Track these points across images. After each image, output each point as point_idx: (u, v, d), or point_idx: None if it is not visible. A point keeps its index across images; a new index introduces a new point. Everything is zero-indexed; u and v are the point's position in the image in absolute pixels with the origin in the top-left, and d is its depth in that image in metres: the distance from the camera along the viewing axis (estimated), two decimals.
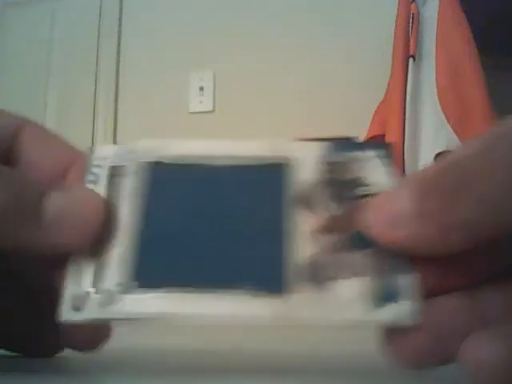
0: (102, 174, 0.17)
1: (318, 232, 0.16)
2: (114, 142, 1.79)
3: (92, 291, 0.15)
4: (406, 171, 1.37)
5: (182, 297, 0.15)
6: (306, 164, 0.17)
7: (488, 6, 1.34)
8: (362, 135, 1.50)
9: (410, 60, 1.42)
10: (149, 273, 0.15)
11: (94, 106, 1.82)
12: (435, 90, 1.40)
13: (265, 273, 0.15)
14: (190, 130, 1.73)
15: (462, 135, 1.36)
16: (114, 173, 0.17)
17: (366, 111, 1.51)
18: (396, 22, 1.48)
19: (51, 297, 0.16)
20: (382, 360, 0.15)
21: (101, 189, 0.17)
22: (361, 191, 0.16)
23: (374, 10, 1.64)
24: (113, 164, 0.18)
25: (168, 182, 0.17)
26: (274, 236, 0.16)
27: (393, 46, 1.47)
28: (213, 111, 1.73)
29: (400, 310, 0.14)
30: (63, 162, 0.18)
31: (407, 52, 1.43)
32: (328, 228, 0.16)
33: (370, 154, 0.17)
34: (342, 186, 0.17)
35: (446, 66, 1.41)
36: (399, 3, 1.49)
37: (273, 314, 0.14)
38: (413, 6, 1.46)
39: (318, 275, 0.15)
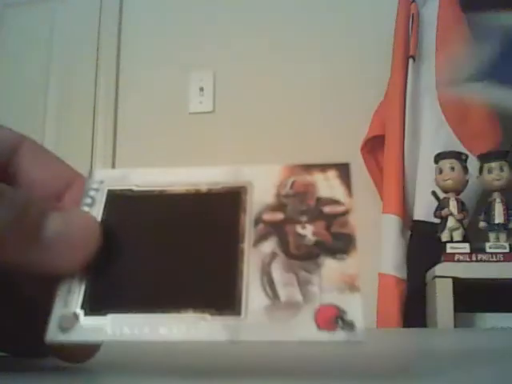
0: (99, 197, 0.18)
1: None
2: (114, 142, 1.79)
3: (81, 313, 0.16)
4: (406, 171, 1.38)
5: (129, 319, 0.15)
6: (266, 187, 0.18)
7: (488, 6, 1.34)
8: (361, 135, 1.50)
9: (410, 60, 1.42)
10: (98, 299, 0.16)
11: (94, 107, 1.82)
12: (435, 90, 1.40)
13: (216, 295, 0.15)
14: (189, 131, 1.73)
15: (462, 136, 1.36)
16: (111, 196, 0.18)
17: (366, 111, 1.52)
18: (396, 21, 1.48)
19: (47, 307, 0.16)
20: (382, 360, 0.15)
21: (96, 212, 0.18)
22: (318, 211, 0.17)
23: (374, 10, 1.64)
24: (110, 187, 0.18)
25: (127, 210, 0.18)
26: (227, 260, 0.16)
27: (393, 45, 1.47)
28: (213, 111, 1.73)
29: (349, 329, 0.14)
30: (61, 182, 0.18)
31: (407, 52, 1.43)
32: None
33: (331, 174, 0.18)
34: (300, 206, 0.17)
35: (445, 66, 1.41)
36: (399, 3, 1.49)
37: (226, 334, 0.15)
38: (413, 6, 1.46)
39: (271, 293, 0.15)
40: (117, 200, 0.18)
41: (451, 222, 1.22)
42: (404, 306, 1.28)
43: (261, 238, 0.16)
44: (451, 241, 1.21)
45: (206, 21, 1.78)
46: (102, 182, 0.18)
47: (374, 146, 1.49)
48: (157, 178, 0.18)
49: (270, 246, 0.16)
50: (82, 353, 0.17)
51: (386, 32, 1.50)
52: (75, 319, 0.15)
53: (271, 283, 0.15)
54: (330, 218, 0.17)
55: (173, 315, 0.15)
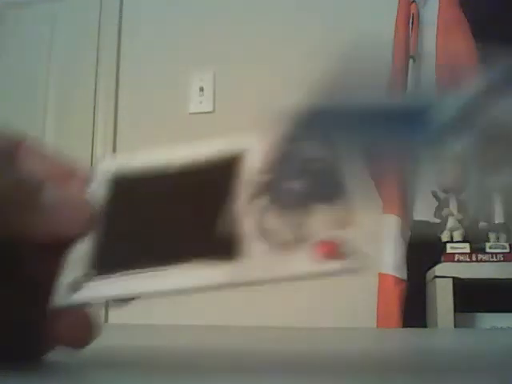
0: (101, 184, 0.19)
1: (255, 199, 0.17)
2: (114, 142, 1.79)
3: (89, 274, 0.17)
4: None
5: (135, 275, 0.16)
6: (258, 153, 0.19)
7: (488, 6, 1.34)
8: None
9: (410, 60, 1.42)
10: (105, 261, 0.17)
11: (94, 107, 1.82)
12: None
13: (217, 244, 0.17)
14: (189, 131, 1.73)
15: None
16: (114, 178, 0.20)
17: None
18: (396, 21, 1.48)
19: (45, 287, 0.16)
20: (382, 360, 0.15)
21: (100, 191, 0.19)
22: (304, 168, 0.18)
23: (374, 10, 1.64)
24: (110, 176, 0.20)
25: (130, 185, 0.19)
26: (225, 216, 0.17)
27: (393, 46, 1.47)
28: (213, 111, 1.73)
29: (349, 257, 0.15)
30: (61, 177, 0.19)
31: (407, 52, 1.43)
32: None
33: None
34: (287, 166, 0.18)
35: (445, 66, 1.41)
36: (399, 3, 1.49)
37: (225, 278, 0.16)
38: (413, 6, 1.46)
39: (268, 238, 0.16)
40: (120, 180, 0.20)
41: (451, 222, 1.22)
42: (404, 305, 1.28)
43: (254, 196, 0.17)
44: (451, 241, 1.21)
45: (206, 21, 1.78)
46: (104, 170, 0.20)
47: None
48: (158, 156, 0.20)
49: (263, 201, 0.17)
50: (83, 336, 0.17)
51: (386, 32, 1.50)
52: (83, 281, 0.17)
53: (267, 230, 0.17)
54: (316, 173, 0.18)
55: (177, 267, 0.16)
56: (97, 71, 1.84)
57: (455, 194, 1.25)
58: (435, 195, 1.26)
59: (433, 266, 1.20)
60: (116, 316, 1.48)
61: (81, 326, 0.16)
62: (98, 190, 0.19)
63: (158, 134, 1.75)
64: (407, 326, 1.23)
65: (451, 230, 1.22)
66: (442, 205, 1.25)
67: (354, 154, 0.17)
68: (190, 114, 1.74)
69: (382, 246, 1.35)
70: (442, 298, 1.12)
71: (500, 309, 1.17)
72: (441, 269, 1.15)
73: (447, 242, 1.20)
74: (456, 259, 1.16)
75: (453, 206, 1.23)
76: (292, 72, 1.69)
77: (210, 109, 1.73)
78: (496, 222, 1.20)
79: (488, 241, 1.19)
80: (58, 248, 0.17)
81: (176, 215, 0.18)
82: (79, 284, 0.16)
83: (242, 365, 0.20)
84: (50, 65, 1.89)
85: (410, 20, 1.45)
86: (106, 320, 1.56)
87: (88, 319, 0.17)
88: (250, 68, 1.72)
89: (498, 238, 1.19)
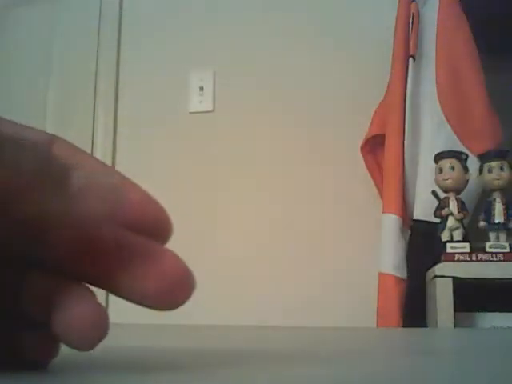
0: None
1: None
2: (114, 142, 1.79)
3: None
4: (406, 170, 1.38)
5: None
6: None
7: (488, 6, 1.34)
8: (361, 135, 1.50)
9: (410, 60, 1.42)
10: None
11: (94, 106, 1.82)
12: (435, 89, 1.40)
13: None
14: (189, 130, 1.73)
15: (462, 135, 1.36)
16: None
17: (366, 111, 1.52)
18: (396, 21, 1.48)
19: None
20: (382, 360, 0.15)
21: None
22: None
23: (374, 10, 1.64)
24: None
25: None
26: None
27: (393, 45, 1.47)
28: (213, 111, 1.73)
29: None
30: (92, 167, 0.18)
31: (407, 52, 1.43)
32: None
33: None
34: None
35: (445, 66, 1.41)
36: (399, 3, 1.49)
37: None
38: (413, 5, 1.46)
39: None
40: None
41: (451, 222, 1.22)
42: (404, 305, 1.28)
43: None
44: (451, 240, 1.21)
45: (206, 21, 1.78)
46: None
47: (374, 145, 1.49)
48: None
49: None
50: (89, 336, 0.16)
51: (386, 32, 1.50)
52: None
53: None
54: None
55: None
56: (97, 71, 1.84)
57: (455, 193, 1.25)
58: (435, 195, 1.26)
59: (433, 266, 1.20)
60: (116, 316, 1.48)
61: (87, 326, 0.16)
62: None
63: (158, 134, 1.75)
64: (407, 326, 1.23)
65: (451, 230, 1.22)
66: (442, 204, 1.25)
67: None
68: (190, 113, 1.74)
69: (382, 246, 1.35)
70: (442, 297, 1.12)
71: (500, 309, 1.17)
72: (441, 268, 1.16)
73: (447, 241, 1.20)
74: (456, 259, 1.16)
75: (453, 206, 1.23)
76: (292, 72, 1.69)
77: (210, 108, 1.73)
78: (496, 221, 1.20)
79: (488, 240, 1.19)
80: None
81: None
82: None
83: (241, 364, 0.20)
84: (50, 65, 1.89)
85: (410, 19, 1.45)
86: None
87: (99, 316, 0.16)
88: (250, 68, 1.72)
89: (498, 238, 1.19)
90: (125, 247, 0.16)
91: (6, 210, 0.15)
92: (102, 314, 0.16)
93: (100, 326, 0.16)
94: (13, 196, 0.15)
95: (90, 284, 0.17)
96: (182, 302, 0.16)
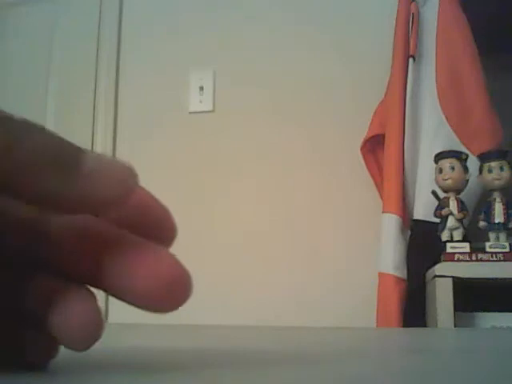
0: None
1: None
2: (114, 142, 1.79)
3: None
4: (406, 170, 1.38)
5: None
6: None
7: (488, 6, 1.34)
8: (361, 135, 1.50)
9: (410, 60, 1.42)
10: None
11: (94, 106, 1.82)
12: (435, 89, 1.40)
13: None
14: (189, 130, 1.73)
15: (462, 135, 1.36)
16: None
17: (366, 111, 1.52)
18: (396, 21, 1.48)
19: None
20: (381, 360, 0.15)
21: None
22: None
23: (374, 10, 1.64)
24: None
25: None
26: None
27: (393, 46, 1.47)
28: (213, 111, 1.73)
29: None
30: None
31: (407, 52, 1.43)
32: None
33: None
34: None
35: (445, 66, 1.41)
36: (399, 3, 1.49)
37: None
38: (413, 5, 1.46)
39: None
40: None
41: (451, 222, 1.22)
42: (404, 305, 1.28)
43: None
44: (451, 240, 1.21)
45: (206, 21, 1.78)
46: None
47: (373, 145, 1.49)
48: None
49: None
50: (86, 336, 0.16)
51: (386, 32, 1.50)
52: None
53: None
54: None
55: None
56: (97, 71, 1.84)
57: (455, 193, 1.25)
58: (435, 195, 1.26)
59: (433, 266, 1.20)
60: (116, 316, 1.48)
61: (82, 326, 0.16)
62: None
63: (158, 134, 1.75)
64: (407, 326, 1.23)
65: (451, 230, 1.22)
66: (442, 204, 1.25)
67: None
68: (190, 113, 1.74)
69: (382, 246, 1.35)
70: (442, 297, 1.12)
71: (500, 309, 1.17)
72: (441, 268, 1.16)
73: (447, 241, 1.20)
74: (456, 259, 1.16)
75: (453, 206, 1.23)
76: (292, 71, 1.69)
77: (210, 108, 1.73)
78: (496, 221, 1.20)
79: (488, 240, 1.19)
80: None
81: None
82: None
83: (241, 365, 0.20)
84: (50, 65, 1.89)
85: (409, 19, 1.45)
86: (106, 319, 1.56)
87: (95, 315, 0.16)
88: (250, 68, 1.72)
89: (498, 238, 1.19)
90: (119, 245, 0.16)
91: (19, 189, 0.15)
92: (94, 314, 0.16)
93: (93, 326, 0.16)
94: (25, 176, 0.15)
95: (86, 284, 0.17)
96: (179, 304, 0.16)
